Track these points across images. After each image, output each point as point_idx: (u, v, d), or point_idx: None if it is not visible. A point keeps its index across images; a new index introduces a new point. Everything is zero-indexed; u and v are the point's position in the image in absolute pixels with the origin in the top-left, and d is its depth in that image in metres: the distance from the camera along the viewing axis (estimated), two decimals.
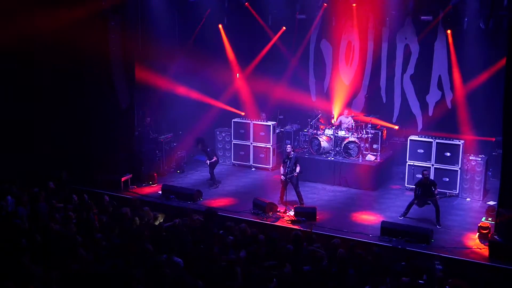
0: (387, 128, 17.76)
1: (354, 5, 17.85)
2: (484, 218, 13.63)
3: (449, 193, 15.31)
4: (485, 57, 16.28)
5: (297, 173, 14.44)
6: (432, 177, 15.10)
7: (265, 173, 17.72)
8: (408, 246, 12.01)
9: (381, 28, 18.28)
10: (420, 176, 14.05)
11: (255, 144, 18.09)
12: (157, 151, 17.32)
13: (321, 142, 16.93)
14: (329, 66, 19.42)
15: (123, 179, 15.79)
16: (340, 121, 17.40)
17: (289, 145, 15.07)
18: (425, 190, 13.60)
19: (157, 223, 12.22)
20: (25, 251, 10.12)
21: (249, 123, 18.13)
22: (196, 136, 16.77)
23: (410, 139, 16.04)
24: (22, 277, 9.20)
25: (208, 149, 16.51)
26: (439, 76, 17.75)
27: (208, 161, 16.32)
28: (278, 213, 13.99)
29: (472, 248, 12.25)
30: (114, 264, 9.31)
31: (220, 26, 19.13)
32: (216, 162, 16.53)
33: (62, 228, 11.29)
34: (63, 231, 11.12)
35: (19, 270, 9.36)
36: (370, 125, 16.96)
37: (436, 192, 13.61)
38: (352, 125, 17.05)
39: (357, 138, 16.67)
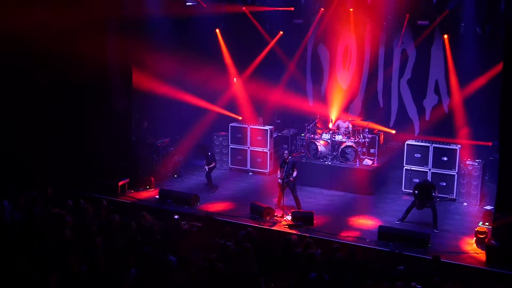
0: (384, 132, 17.75)
1: (351, 9, 17.90)
2: (481, 222, 13.62)
3: (449, 197, 15.31)
4: (482, 62, 16.31)
5: (294, 178, 14.44)
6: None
7: (263, 178, 17.71)
8: (405, 251, 12.02)
9: (378, 32, 18.32)
10: (417, 180, 14.05)
11: (252, 149, 18.09)
12: (154, 156, 17.28)
13: (319, 147, 16.93)
14: (326, 70, 19.45)
15: (120, 183, 15.76)
16: (337, 126, 17.39)
17: (286, 150, 15.03)
18: (424, 192, 13.58)
19: None
20: (23, 255, 10.14)
21: (246, 127, 18.14)
22: (198, 144, 17.03)
23: (407, 144, 16.05)
24: (20, 281, 9.19)
25: (209, 153, 16.63)
26: (436, 80, 17.78)
27: (206, 167, 16.37)
28: (275, 218, 13.97)
29: (469, 252, 12.26)
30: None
31: (217, 30, 19.12)
32: (214, 167, 16.58)
33: (58, 233, 11.28)
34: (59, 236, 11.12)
35: (17, 274, 9.37)
36: (367, 130, 16.98)
37: (435, 195, 13.61)
38: (349, 130, 17.06)
39: (354, 142, 16.68)
